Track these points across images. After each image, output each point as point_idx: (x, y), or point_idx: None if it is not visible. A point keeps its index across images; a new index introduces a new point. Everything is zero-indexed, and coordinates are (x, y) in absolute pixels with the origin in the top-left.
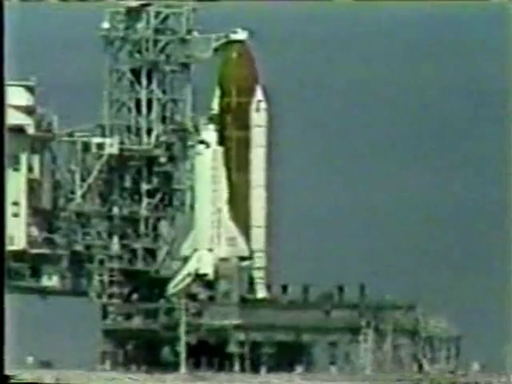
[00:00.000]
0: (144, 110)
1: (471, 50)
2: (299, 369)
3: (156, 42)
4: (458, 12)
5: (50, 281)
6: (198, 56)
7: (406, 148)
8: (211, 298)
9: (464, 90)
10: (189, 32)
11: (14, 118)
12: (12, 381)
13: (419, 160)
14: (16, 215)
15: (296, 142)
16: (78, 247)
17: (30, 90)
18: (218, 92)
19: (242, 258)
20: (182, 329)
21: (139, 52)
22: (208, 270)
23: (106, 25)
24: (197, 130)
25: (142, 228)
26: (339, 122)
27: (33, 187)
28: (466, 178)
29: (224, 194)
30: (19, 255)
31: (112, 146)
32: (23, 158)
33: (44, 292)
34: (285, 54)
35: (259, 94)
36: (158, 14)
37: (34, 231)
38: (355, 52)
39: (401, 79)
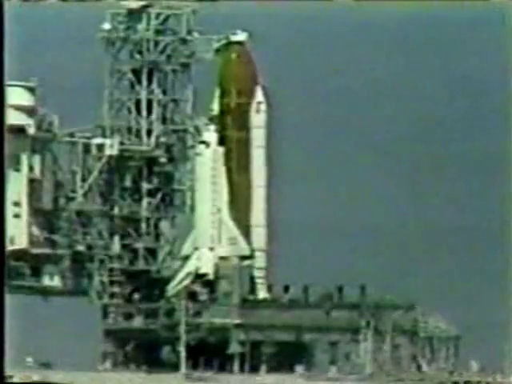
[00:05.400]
0: (144, 110)
1: (471, 50)
2: (299, 369)
3: (156, 42)
4: (458, 12)
5: (51, 281)
6: (198, 57)
7: (406, 149)
8: (212, 298)
9: (463, 91)
10: (189, 33)
11: (14, 118)
12: (12, 381)
13: (420, 161)
14: (17, 215)
15: (296, 142)
16: (79, 247)
17: (30, 90)
18: (218, 93)
19: (243, 258)
20: (182, 328)
21: (140, 53)
22: (208, 269)
23: (106, 26)
24: (197, 130)
25: (142, 228)
26: (340, 123)
27: (34, 187)
28: (467, 180)
29: (224, 194)
30: (20, 255)
31: (112, 146)
32: (24, 158)
33: (45, 292)
34: (285, 55)
35: (259, 95)
36: (158, 15)
37: (35, 231)
38: (356, 52)
39: (401, 80)
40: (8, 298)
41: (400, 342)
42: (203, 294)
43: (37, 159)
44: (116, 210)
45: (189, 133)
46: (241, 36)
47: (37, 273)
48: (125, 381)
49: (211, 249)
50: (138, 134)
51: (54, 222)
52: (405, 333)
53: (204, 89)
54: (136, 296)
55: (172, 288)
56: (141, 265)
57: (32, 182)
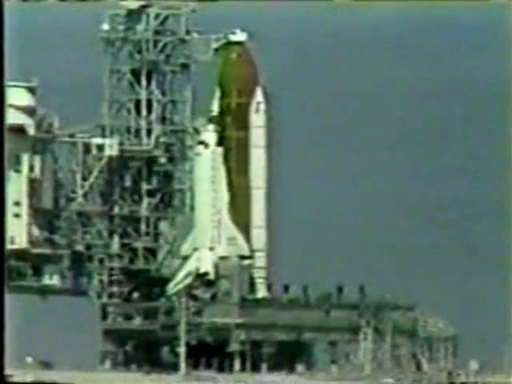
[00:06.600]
0: (144, 110)
1: (471, 51)
2: (299, 368)
3: (156, 42)
4: (458, 12)
5: (51, 280)
6: (197, 57)
7: (406, 149)
8: (212, 298)
9: (463, 92)
10: (188, 33)
11: (15, 118)
12: (12, 380)
13: (420, 162)
14: (17, 215)
15: (296, 142)
16: (79, 247)
17: (31, 90)
18: (217, 93)
19: (243, 257)
20: (182, 328)
21: (139, 53)
22: (208, 269)
23: (105, 26)
24: (196, 130)
25: (142, 227)
26: (340, 123)
27: (34, 187)
28: (466, 180)
29: (224, 194)
30: (20, 254)
31: (112, 147)
32: (24, 158)
33: (45, 291)
34: (285, 55)
35: (259, 95)
36: (157, 15)
37: (35, 231)
38: (355, 53)
39: (401, 81)
40: (8, 298)
41: (400, 341)
42: (203, 294)
43: (37, 159)
44: (116, 210)
45: (188, 133)
46: (241, 36)
47: (37, 272)
48: (125, 381)
49: (211, 249)
50: (137, 134)
51: (53, 221)
52: (404, 333)
53: (203, 89)
54: (135, 295)
55: (172, 288)
56: (140, 264)
57: (32, 182)
